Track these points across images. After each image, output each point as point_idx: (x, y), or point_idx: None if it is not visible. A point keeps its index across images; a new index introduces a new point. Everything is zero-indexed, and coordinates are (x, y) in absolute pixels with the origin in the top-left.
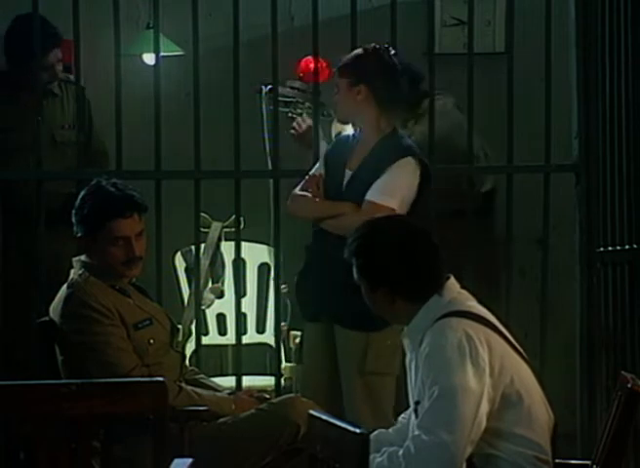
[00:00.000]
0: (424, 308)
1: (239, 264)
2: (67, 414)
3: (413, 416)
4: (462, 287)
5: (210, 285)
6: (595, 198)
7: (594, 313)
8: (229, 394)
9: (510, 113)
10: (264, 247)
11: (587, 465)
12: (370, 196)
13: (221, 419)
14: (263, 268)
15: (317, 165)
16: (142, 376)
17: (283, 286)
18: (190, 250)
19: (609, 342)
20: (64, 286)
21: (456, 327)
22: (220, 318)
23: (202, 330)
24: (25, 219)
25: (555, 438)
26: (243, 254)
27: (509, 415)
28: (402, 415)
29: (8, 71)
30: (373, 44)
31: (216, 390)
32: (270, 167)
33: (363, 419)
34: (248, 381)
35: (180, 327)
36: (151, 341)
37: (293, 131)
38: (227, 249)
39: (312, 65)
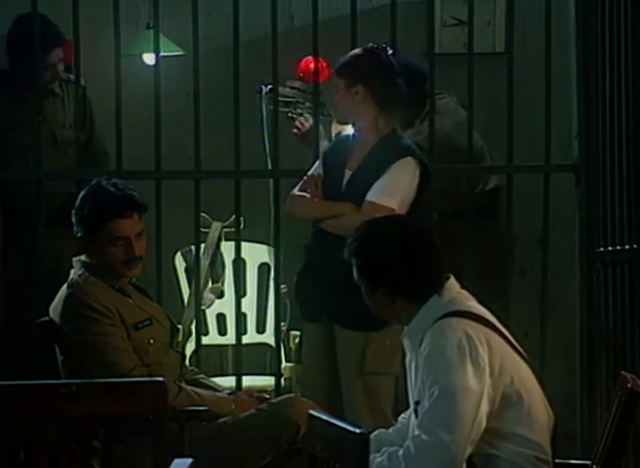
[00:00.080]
0: (424, 308)
1: (239, 264)
2: (67, 414)
3: (413, 416)
4: (462, 287)
5: (210, 285)
6: (595, 198)
7: (594, 313)
8: (229, 394)
9: (510, 113)
10: (264, 247)
11: (587, 465)
12: (370, 196)
13: (221, 419)
14: (263, 268)
15: (315, 165)
16: (142, 376)
17: (283, 286)
18: (190, 250)
19: (609, 342)
20: (64, 286)
21: (456, 327)
22: (220, 318)
23: (202, 330)
24: (25, 219)
25: (555, 438)
26: (243, 254)
27: (509, 415)
28: (402, 415)
29: (10, 70)
30: (370, 44)
31: (216, 390)
32: (270, 167)
33: (362, 419)
34: (248, 381)
35: (180, 327)
36: (151, 341)
37: (296, 130)
38: (227, 249)
39: (312, 65)
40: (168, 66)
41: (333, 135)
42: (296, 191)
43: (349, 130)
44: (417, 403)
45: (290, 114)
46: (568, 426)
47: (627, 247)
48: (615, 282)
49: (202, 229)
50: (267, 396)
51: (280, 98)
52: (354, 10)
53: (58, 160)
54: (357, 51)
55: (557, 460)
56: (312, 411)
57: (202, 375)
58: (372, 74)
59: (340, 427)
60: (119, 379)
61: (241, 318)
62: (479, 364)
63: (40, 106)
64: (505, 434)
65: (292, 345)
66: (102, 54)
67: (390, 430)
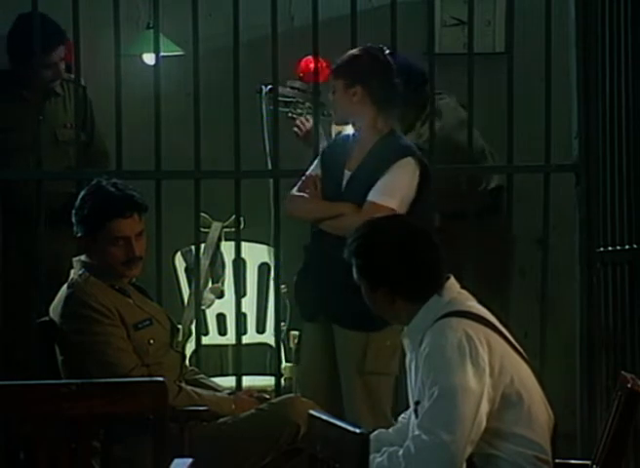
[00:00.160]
0: (424, 308)
1: (239, 264)
2: (67, 414)
3: (413, 416)
4: (462, 287)
5: (210, 285)
6: (595, 198)
7: (594, 313)
8: (229, 394)
9: (510, 113)
10: (264, 247)
11: (587, 465)
12: (370, 196)
13: (221, 419)
14: (263, 268)
15: (313, 165)
16: (142, 376)
17: (283, 286)
18: (190, 250)
19: (609, 342)
20: (64, 286)
21: (456, 327)
22: (220, 318)
23: (202, 330)
24: (25, 219)
25: (555, 438)
26: (243, 254)
27: (509, 415)
28: (402, 415)
29: (10, 70)
30: (368, 44)
31: (216, 390)
32: (270, 167)
33: (362, 419)
34: (248, 381)
35: (180, 327)
36: (151, 341)
37: (296, 129)
38: (227, 249)
39: (312, 65)
40: (168, 66)
41: (333, 134)
42: (294, 191)
43: (349, 130)
44: (417, 403)
45: (290, 114)
46: (568, 426)
47: (627, 247)
48: (615, 282)
49: (202, 229)
50: (267, 396)
51: (280, 98)
52: (354, 10)
53: (58, 160)
54: (354, 51)
55: (557, 460)
56: (312, 411)
57: (202, 375)
58: (370, 74)
59: (340, 427)
60: (119, 379)
61: (241, 318)
62: (479, 364)
63: (41, 106)
64: (505, 434)
65: (292, 345)
66: (102, 54)
67: (390, 430)
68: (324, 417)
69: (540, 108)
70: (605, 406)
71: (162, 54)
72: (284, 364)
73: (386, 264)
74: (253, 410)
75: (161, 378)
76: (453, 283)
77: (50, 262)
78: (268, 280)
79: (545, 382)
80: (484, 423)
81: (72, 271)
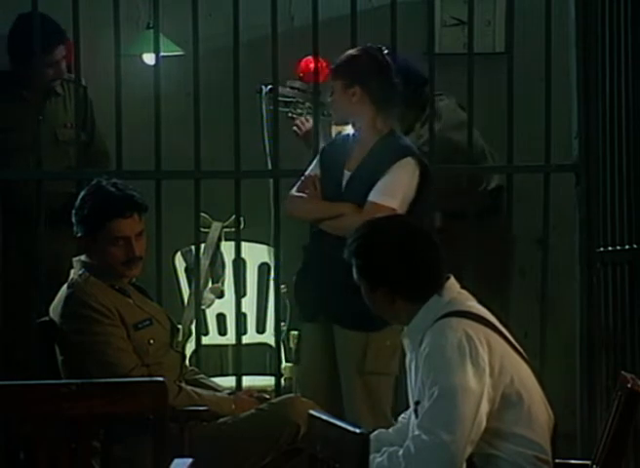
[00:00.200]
0: (424, 308)
1: (239, 264)
2: (67, 414)
3: (413, 416)
4: (462, 287)
5: (210, 285)
6: (595, 198)
7: (594, 313)
8: (229, 394)
9: (510, 113)
10: (264, 247)
11: (587, 465)
12: (371, 197)
13: (221, 419)
14: (263, 268)
15: (312, 165)
16: (142, 376)
17: (283, 286)
18: (190, 250)
19: (609, 342)
20: (64, 286)
21: (456, 327)
22: (220, 318)
23: (202, 330)
24: (25, 219)
25: (555, 438)
26: (243, 254)
27: (509, 415)
28: (402, 415)
29: (11, 71)
30: (366, 44)
31: (216, 390)
32: (270, 167)
33: (362, 419)
34: (248, 381)
35: (180, 327)
36: (151, 341)
37: (295, 128)
38: (227, 249)
39: (312, 65)
40: (168, 66)
41: (333, 134)
42: (294, 192)
43: (349, 130)
44: (417, 403)
45: (290, 114)
46: (568, 426)
47: (627, 247)
48: (615, 282)
49: (202, 229)
50: (267, 396)
51: (280, 98)
52: (354, 10)
53: (59, 159)
54: (353, 51)
55: (557, 460)
56: (312, 411)
57: (202, 375)
58: (368, 74)
59: (340, 427)
60: (119, 379)
61: (241, 318)
62: (479, 364)
63: (41, 106)
64: (505, 434)
65: (292, 345)
66: (102, 54)
67: (390, 430)
68: (324, 417)
69: (540, 108)
70: (605, 406)
71: (162, 54)
72: (284, 364)
73: (386, 264)
74: (253, 410)
75: (161, 378)
76: (453, 283)
77: (50, 262)
78: (268, 280)
79: (545, 382)
80: (484, 423)
81: (72, 271)
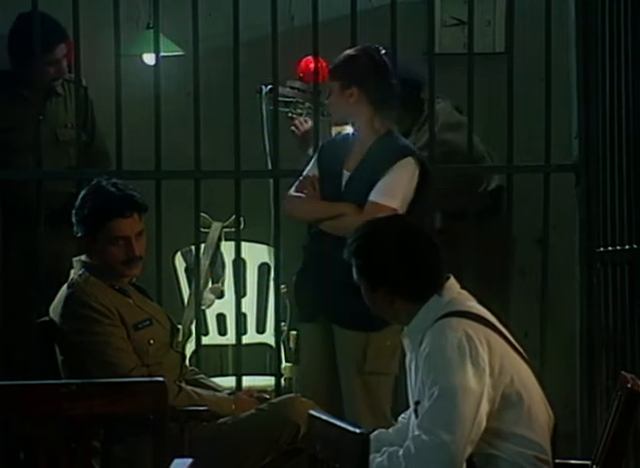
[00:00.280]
0: (424, 308)
1: (239, 264)
2: (67, 414)
3: (413, 416)
4: (462, 287)
5: (210, 285)
6: (595, 198)
7: (594, 313)
8: (229, 394)
9: (510, 113)
10: (264, 247)
11: (587, 465)
12: (372, 197)
13: (221, 419)
14: (263, 268)
15: (310, 165)
16: (142, 376)
17: (283, 286)
18: (190, 250)
19: (609, 342)
20: (64, 286)
21: (456, 327)
22: (220, 318)
23: (202, 330)
24: (25, 219)
25: (555, 438)
26: (243, 254)
27: (509, 415)
28: (402, 415)
29: (12, 70)
30: (363, 45)
31: (216, 390)
32: (270, 167)
33: (362, 419)
34: (248, 381)
35: (180, 327)
36: (151, 341)
37: (294, 128)
38: (227, 249)
39: (312, 65)
40: (168, 66)
41: (333, 134)
42: (292, 192)
43: (350, 129)
44: (417, 403)
45: (290, 114)
46: (568, 426)
47: (627, 247)
48: (615, 282)
49: (202, 229)
50: (267, 396)
51: (280, 98)
52: (354, 10)
53: (59, 159)
54: (350, 52)
55: (557, 460)
56: (312, 411)
57: (202, 375)
58: (365, 75)
59: (340, 427)
60: (119, 379)
61: (241, 318)
62: (479, 364)
63: (41, 106)
64: (505, 434)
65: (292, 345)
66: (102, 54)
67: (390, 430)
68: (324, 417)
69: (540, 108)
70: (605, 406)
71: (162, 54)
72: (284, 364)
73: (386, 264)
74: (253, 411)
75: (161, 378)
76: (453, 283)
77: (50, 262)
78: (268, 280)
79: (545, 382)
80: (484, 423)
81: (72, 271)
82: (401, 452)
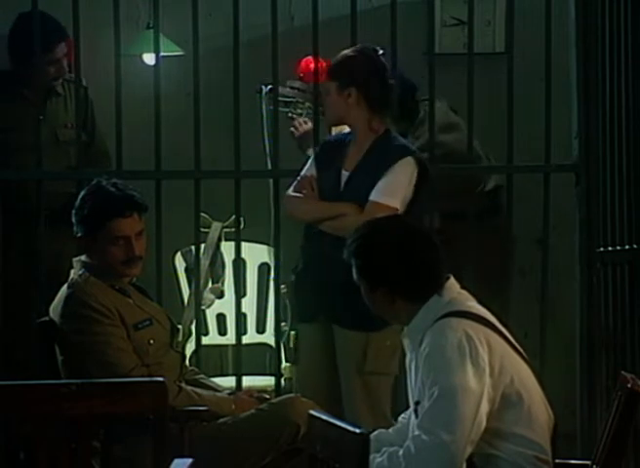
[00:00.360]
0: (424, 308)
1: (239, 264)
2: (67, 414)
3: (413, 416)
4: (462, 287)
5: (210, 285)
6: (595, 198)
7: (594, 313)
8: (229, 394)
9: (510, 113)
10: (264, 247)
11: (587, 465)
12: (373, 196)
13: (221, 419)
14: (263, 268)
15: (307, 166)
16: (142, 376)
17: (283, 286)
18: (190, 250)
19: (609, 342)
20: (65, 286)
21: (456, 327)
22: (220, 318)
23: (202, 330)
24: (25, 219)
25: (555, 438)
26: (243, 254)
27: (509, 415)
28: (402, 415)
29: (12, 70)
30: (361, 45)
31: (216, 390)
32: (270, 167)
33: (362, 419)
34: (248, 381)
35: (180, 327)
36: (151, 341)
37: (293, 128)
38: (227, 249)
39: (312, 65)
40: (168, 66)
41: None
42: (290, 192)
43: (348, 130)
44: (417, 403)
45: (290, 114)
46: (568, 426)
47: (627, 247)
48: (615, 282)
49: (202, 229)
50: (267, 396)
51: (280, 98)
52: (354, 10)
53: (59, 159)
54: (347, 52)
55: (557, 460)
56: (312, 411)
57: (202, 375)
58: (364, 75)
59: (340, 427)
60: (119, 379)
61: (241, 318)
62: (479, 364)
63: (41, 106)
64: (505, 434)
65: (292, 345)
66: (102, 54)
67: (390, 430)
68: (324, 417)
69: (540, 108)
70: (605, 406)
71: (162, 54)
72: (284, 364)
73: (386, 264)
74: (253, 411)
75: (161, 378)
76: (453, 283)
77: (50, 262)
78: (268, 280)
79: (545, 382)
80: (484, 423)
81: (72, 271)
82: (401, 452)
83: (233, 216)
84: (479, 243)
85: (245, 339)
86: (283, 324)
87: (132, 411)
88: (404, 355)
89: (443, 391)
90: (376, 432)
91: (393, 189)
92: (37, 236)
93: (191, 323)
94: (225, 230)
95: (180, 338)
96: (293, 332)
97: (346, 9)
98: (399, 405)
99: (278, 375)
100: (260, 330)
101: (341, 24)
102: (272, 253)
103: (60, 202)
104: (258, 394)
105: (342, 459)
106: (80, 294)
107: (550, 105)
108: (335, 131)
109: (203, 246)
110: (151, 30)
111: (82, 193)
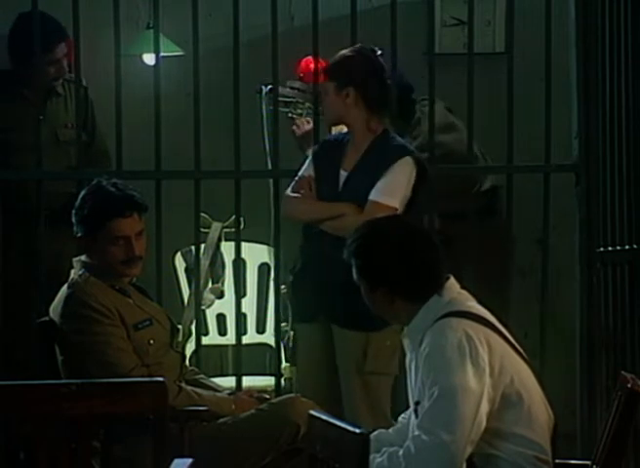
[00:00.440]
0: (424, 308)
1: (239, 264)
2: (67, 414)
3: (413, 416)
4: (462, 287)
5: (210, 285)
6: (595, 198)
7: (594, 313)
8: (229, 394)
9: (510, 113)
10: (264, 247)
11: (587, 465)
12: (373, 196)
13: (221, 419)
14: (263, 268)
15: (305, 166)
16: (142, 376)
17: (283, 286)
18: (190, 250)
19: (609, 342)
20: (65, 286)
21: (456, 327)
22: (220, 318)
23: (202, 330)
24: (25, 219)
25: (555, 438)
26: (243, 254)
27: (509, 415)
28: (402, 415)
29: (12, 70)
30: (359, 45)
31: (216, 390)
32: (270, 167)
33: (362, 419)
34: (248, 381)
35: (180, 327)
36: (151, 341)
37: (294, 127)
38: (227, 249)
39: (312, 65)
40: (168, 66)
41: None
42: (289, 192)
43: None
44: (417, 403)
45: (290, 114)
46: (568, 426)
47: (627, 247)
48: (615, 282)
49: (202, 229)
50: (267, 396)
51: (280, 98)
52: (354, 10)
53: (59, 159)
54: (345, 52)
55: (557, 460)
56: (312, 411)
57: (202, 375)
58: (362, 75)
59: (339, 427)
60: (119, 379)
61: (241, 318)
62: (479, 364)
63: (41, 106)
64: (505, 434)
65: (292, 345)
66: (102, 54)
67: (390, 430)
68: (324, 417)
69: (540, 108)
70: (605, 406)
71: (162, 54)
72: (284, 364)
73: (386, 264)
74: (253, 411)
75: (161, 378)
76: (453, 283)
77: (50, 262)
78: (268, 280)
79: (545, 382)
80: (484, 423)
81: (72, 271)
82: (401, 452)
83: (233, 217)
84: (479, 243)
85: (245, 339)
86: (283, 324)
87: (132, 411)
88: (404, 355)
89: (443, 391)
90: (376, 432)
91: (392, 189)
92: (37, 236)
93: (191, 323)
94: (225, 230)
95: (180, 338)
96: (292, 333)
97: (346, 9)
98: (399, 405)
99: (278, 375)
100: (260, 330)
101: (341, 24)
102: (272, 254)
103: (60, 202)
104: (258, 394)
105: (342, 459)
106: (80, 294)
107: (550, 105)
108: (335, 130)
109: (203, 246)
110: (151, 30)
111: (82, 193)
